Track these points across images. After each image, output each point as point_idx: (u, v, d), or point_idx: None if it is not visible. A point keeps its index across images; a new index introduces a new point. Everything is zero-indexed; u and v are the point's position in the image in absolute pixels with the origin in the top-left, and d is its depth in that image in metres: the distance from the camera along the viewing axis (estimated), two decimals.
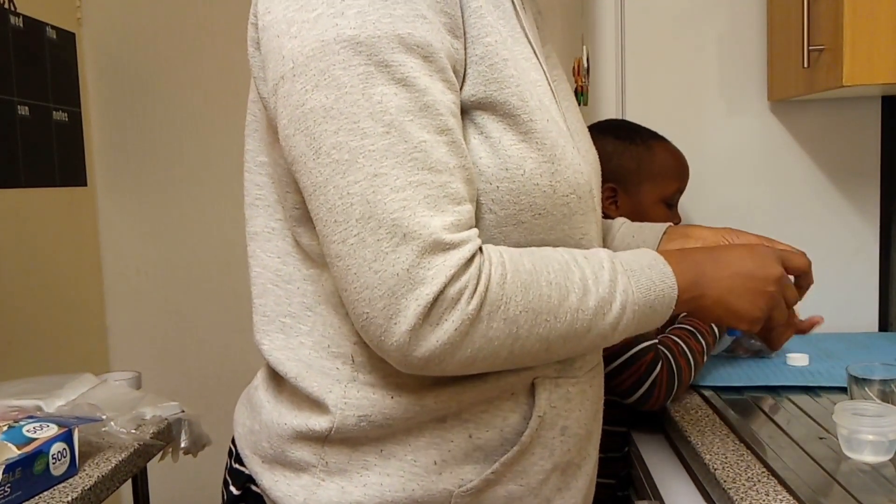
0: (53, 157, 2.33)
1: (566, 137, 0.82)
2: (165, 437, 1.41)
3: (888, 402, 1.09)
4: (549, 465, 0.83)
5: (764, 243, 1.01)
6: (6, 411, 1.28)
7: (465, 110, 0.76)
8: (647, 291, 0.79)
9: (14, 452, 1.09)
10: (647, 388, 1.25)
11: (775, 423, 1.16)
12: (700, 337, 1.36)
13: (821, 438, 1.09)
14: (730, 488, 0.96)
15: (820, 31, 1.41)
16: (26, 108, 2.19)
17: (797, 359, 1.45)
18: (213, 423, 1.59)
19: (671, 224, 1.11)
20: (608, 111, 1.76)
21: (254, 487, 0.87)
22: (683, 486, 1.17)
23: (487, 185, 0.76)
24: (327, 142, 0.70)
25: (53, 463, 1.14)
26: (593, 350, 0.88)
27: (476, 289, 0.71)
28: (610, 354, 1.24)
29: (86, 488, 1.15)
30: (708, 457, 1.06)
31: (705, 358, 1.36)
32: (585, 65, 1.92)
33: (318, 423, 0.80)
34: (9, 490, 1.07)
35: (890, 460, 0.98)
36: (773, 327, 0.89)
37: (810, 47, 1.41)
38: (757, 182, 1.76)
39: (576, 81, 2.02)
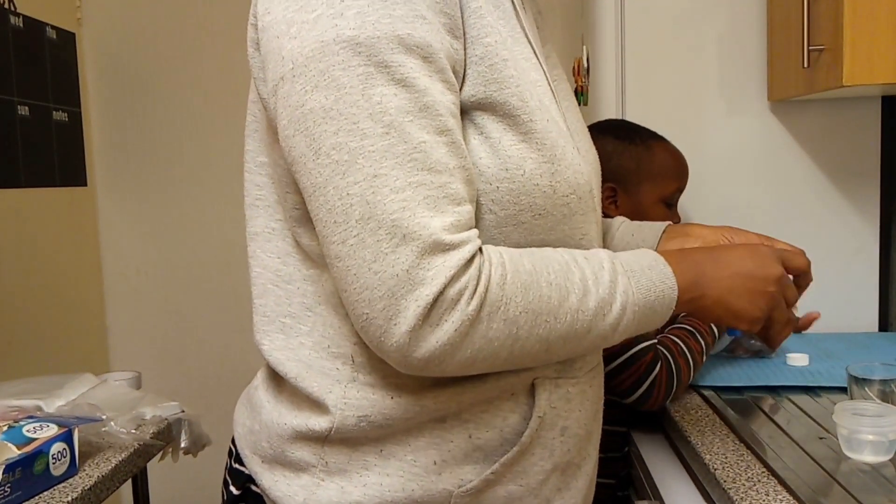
0: (53, 157, 2.33)
1: (566, 137, 0.82)
2: (165, 437, 1.41)
3: (888, 402, 1.09)
4: (549, 465, 0.83)
5: (764, 242, 1.01)
6: (6, 411, 1.28)
7: (465, 111, 0.76)
8: (648, 292, 0.79)
9: (14, 452, 1.09)
10: (646, 388, 1.25)
11: (775, 423, 1.16)
12: (699, 337, 1.36)
13: (821, 438, 1.09)
14: (730, 488, 0.96)
15: (820, 31, 1.41)
16: (26, 108, 2.19)
17: (797, 359, 1.45)
18: (213, 423, 1.59)
19: (671, 223, 1.11)
20: (608, 111, 1.76)
21: (254, 487, 0.87)
22: (683, 486, 1.17)
23: (487, 186, 0.76)
24: (327, 142, 0.70)
25: (53, 463, 1.14)
26: (593, 351, 0.88)
27: (476, 289, 0.71)
28: (609, 354, 1.24)
29: (86, 488, 1.15)
30: (708, 457, 1.06)
31: (704, 358, 1.36)
32: (585, 65, 1.92)
33: (318, 423, 0.80)
34: (9, 490, 1.07)
35: (890, 460, 0.98)
36: (772, 326, 0.89)
37: (810, 47, 1.41)
38: (757, 182, 1.76)
39: (576, 81, 2.02)
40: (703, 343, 1.36)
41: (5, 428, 1.14)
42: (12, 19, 2.14)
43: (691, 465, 1.16)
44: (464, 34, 0.76)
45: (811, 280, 0.94)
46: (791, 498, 0.93)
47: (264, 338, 0.86)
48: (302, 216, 0.80)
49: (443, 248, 0.69)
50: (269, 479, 0.84)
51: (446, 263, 0.69)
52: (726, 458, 1.06)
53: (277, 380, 0.87)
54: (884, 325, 1.78)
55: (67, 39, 2.45)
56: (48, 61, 2.32)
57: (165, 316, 2.67)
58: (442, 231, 0.70)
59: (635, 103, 1.75)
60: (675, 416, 1.24)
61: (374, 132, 0.69)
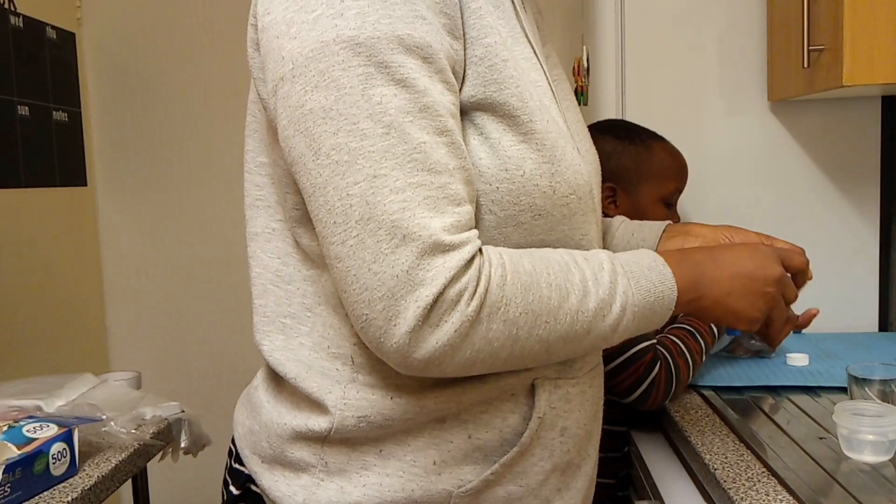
0: (53, 157, 2.33)
1: (566, 138, 0.82)
2: (165, 437, 1.41)
3: (888, 402, 1.09)
4: (549, 465, 0.83)
5: (763, 241, 1.01)
6: (6, 411, 1.28)
7: (465, 111, 0.76)
8: (647, 293, 0.79)
9: (14, 452, 1.09)
10: (645, 388, 1.25)
11: (775, 423, 1.16)
12: (699, 337, 1.36)
13: (821, 438, 1.09)
14: (730, 488, 0.96)
15: (820, 31, 1.41)
16: (26, 108, 2.19)
17: (797, 359, 1.45)
18: (213, 423, 1.59)
19: (670, 222, 1.11)
20: (608, 111, 1.76)
21: (254, 487, 0.87)
22: (683, 486, 1.17)
23: (487, 186, 0.76)
24: (327, 143, 0.70)
25: (53, 463, 1.14)
26: (593, 351, 0.88)
27: (476, 290, 0.71)
28: (609, 354, 1.24)
29: (86, 488, 1.15)
30: (708, 457, 1.06)
31: (704, 358, 1.36)
32: (585, 65, 1.92)
33: (318, 423, 0.80)
34: (9, 490, 1.07)
35: (890, 460, 0.98)
36: (771, 325, 0.89)
37: (810, 47, 1.41)
38: (757, 182, 1.76)
39: (576, 81, 2.02)
40: (702, 343, 1.36)
41: (5, 428, 1.14)
42: (12, 19, 2.14)
43: (691, 465, 1.16)
44: (463, 35, 0.76)
45: (810, 278, 0.94)
46: (791, 498, 0.93)
47: (264, 338, 0.86)
48: (302, 216, 0.80)
49: (443, 248, 0.69)
50: (268, 479, 0.84)
51: (446, 264, 0.69)
52: (726, 458, 1.06)
53: (277, 380, 0.87)
54: (884, 325, 1.78)
55: (67, 39, 2.45)
56: (48, 61, 2.32)
57: (165, 316, 2.67)
58: (442, 232, 0.70)
59: (635, 103, 1.75)
60: (674, 415, 1.24)
61: (374, 132, 0.69)
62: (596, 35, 1.80)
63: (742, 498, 0.93)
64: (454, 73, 0.74)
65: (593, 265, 0.78)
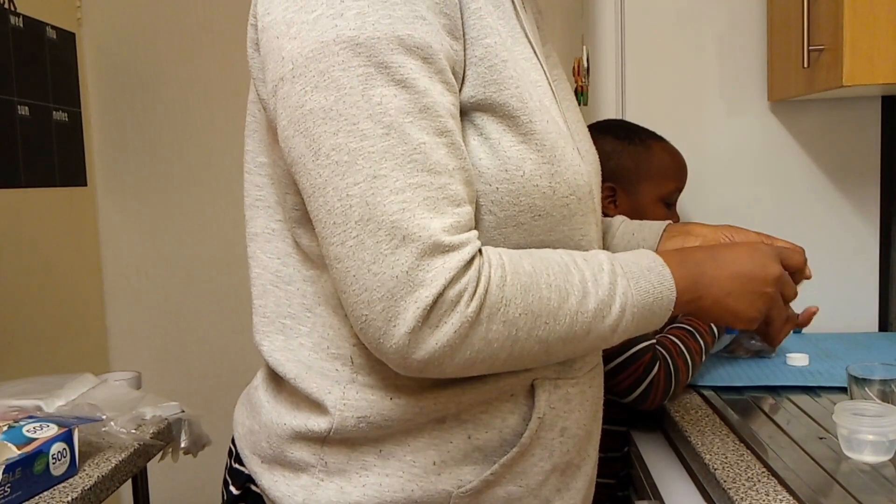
0: (53, 157, 2.33)
1: (566, 138, 0.82)
2: (165, 437, 1.41)
3: (888, 402, 1.09)
4: (549, 465, 0.83)
5: (763, 241, 1.01)
6: (6, 411, 1.28)
7: (465, 111, 0.76)
8: (646, 294, 0.79)
9: (14, 452, 1.09)
10: (644, 388, 1.25)
11: (775, 423, 1.16)
12: (699, 337, 1.36)
13: (821, 438, 1.09)
14: (730, 488, 0.96)
15: (820, 31, 1.41)
16: (26, 108, 2.19)
17: (797, 359, 1.45)
18: (213, 423, 1.59)
19: (671, 222, 1.11)
20: (608, 111, 1.76)
21: (253, 487, 0.87)
22: (683, 486, 1.17)
23: (487, 187, 0.76)
24: (327, 143, 0.70)
25: (53, 463, 1.14)
26: (592, 352, 0.88)
27: (475, 291, 0.71)
28: (608, 354, 1.24)
29: (86, 488, 1.15)
30: (708, 457, 1.06)
31: (704, 358, 1.36)
32: (585, 65, 1.92)
33: (318, 423, 0.80)
34: (9, 490, 1.07)
35: (890, 460, 0.98)
36: (771, 324, 0.89)
37: (810, 47, 1.41)
38: (757, 182, 1.76)
39: (576, 81, 2.02)
40: (702, 343, 1.36)
41: (5, 428, 1.14)
42: (12, 19, 2.14)
43: (691, 465, 1.16)
44: (463, 35, 0.76)
45: (809, 277, 0.94)
46: (791, 498, 0.93)
47: (264, 339, 0.86)
48: (302, 217, 0.80)
49: (442, 249, 0.69)
50: (268, 479, 0.84)
51: (446, 265, 0.69)
52: (726, 458, 1.06)
53: (277, 380, 0.87)
54: (884, 325, 1.78)
55: (67, 39, 2.45)
56: (48, 61, 2.32)
57: (165, 316, 2.67)
58: (441, 232, 0.70)
59: (635, 103, 1.75)
60: (674, 415, 1.24)
61: (373, 133, 0.69)
62: (596, 35, 1.80)
63: (742, 498, 0.93)
64: (454, 74, 0.74)
65: (593, 266, 0.78)
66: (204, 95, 2.59)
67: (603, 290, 0.77)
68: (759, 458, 1.04)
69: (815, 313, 1.01)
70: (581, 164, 0.83)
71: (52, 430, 1.17)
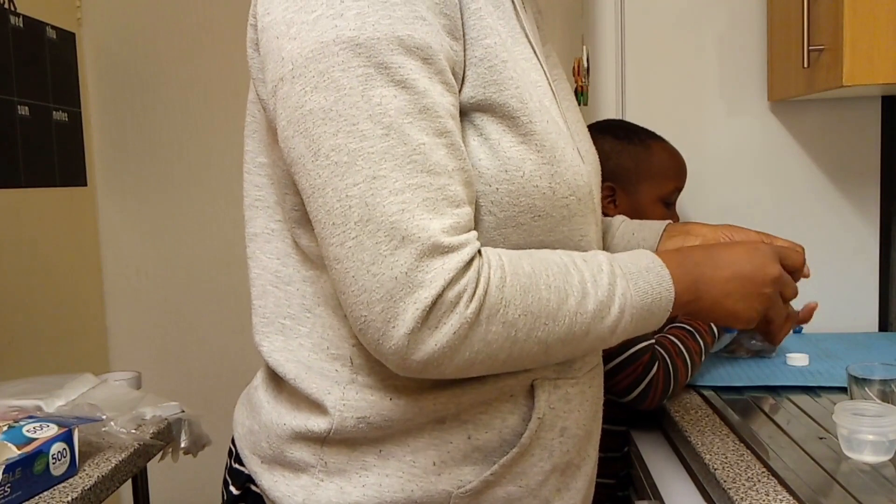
0: (53, 157, 2.33)
1: (566, 138, 0.82)
2: (165, 437, 1.41)
3: (888, 402, 1.09)
4: (549, 466, 0.83)
5: (763, 240, 1.01)
6: (6, 411, 1.28)
7: (465, 112, 0.76)
8: (645, 295, 0.79)
9: (14, 452, 1.09)
10: (643, 388, 1.25)
11: (775, 423, 1.16)
12: (698, 337, 1.36)
13: (821, 438, 1.09)
14: (730, 488, 0.96)
15: (820, 31, 1.41)
16: (26, 108, 2.19)
17: (797, 359, 1.45)
18: (213, 423, 1.59)
19: (671, 221, 1.11)
20: (608, 111, 1.76)
21: (253, 487, 0.87)
22: (683, 486, 1.17)
23: (486, 187, 0.76)
24: (326, 144, 0.70)
25: (53, 463, 1.15)
26: (592, 352, 0.88)
27: (475, 292, 0.71)
28: (607, 354, 1.24)
29: (86, 488, 1.15)
30: (708, 457, 1.06)
31: (703, 358, 1.36)
32: (585, 65, 1.92)
33: (317, 423, 0.80)
34: (9, 490, 1.07)
35: (890, 460, 0.98)
36: (771, 323, 0.89)
37: (810, 47, 1.41)
38: (757, 182, 1.76)
39: (576, 81, 2.02)
40: (701, 343, 1.36)
41: (5, 428, 1.14)
42: (12, 19, 2.14)
43: (691, 465, 1.16)
44: (463, 35, 0.76)
45: (807, 276, 0.94)
46: (791, 498, 0.93)
47: (264, 339, 0.86)
48: (301, 217, 0.80)
49: (442, 250, 0.69)
50: (268, 480, 0.84)
51: (445, 266, 0.69)
52: (726, 458, 1.06)
53: (277, 380, 0.87)
54: (884, 325, 1.78)
55: (67, 39, 2.45)
56: (48, 61, 2.32)
57: (165, 316, 2.67)
58: (441, 233, 0.70)
59: (635, 103, 1.75)
60: (674, 415, 1.24)
61: (373, 133, 0.69)
62: (596, 35, 1.80)
63: (742, 498, 0.93)
64: (454, 74, 0.74)
65: (592, 267, 0.78)
66: (204, 95, 2.59)
67: (602, 291, 0.77)
68: (759, 458, 1.04)
69: (815, 308, 1.01)
70: (581, 165, 0.83)
71: (52, 430, 1.17)
